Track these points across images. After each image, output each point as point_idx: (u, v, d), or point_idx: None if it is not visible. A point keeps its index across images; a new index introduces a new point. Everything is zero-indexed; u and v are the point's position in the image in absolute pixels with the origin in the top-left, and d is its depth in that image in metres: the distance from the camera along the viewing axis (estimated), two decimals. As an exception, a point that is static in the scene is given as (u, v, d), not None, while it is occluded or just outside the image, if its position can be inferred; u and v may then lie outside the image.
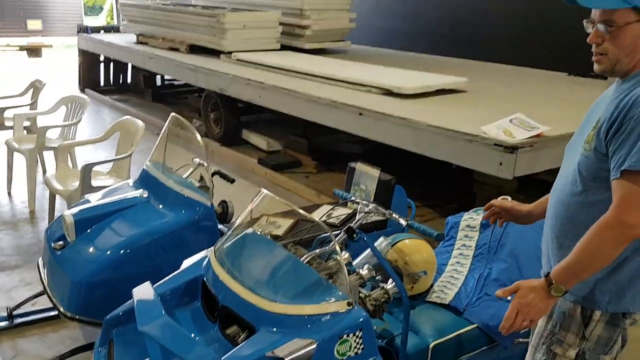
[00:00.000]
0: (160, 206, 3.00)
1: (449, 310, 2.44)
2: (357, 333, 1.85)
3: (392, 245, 2.47)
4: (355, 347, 1.85)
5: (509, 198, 2.20)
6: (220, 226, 3.04)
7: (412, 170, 4.94)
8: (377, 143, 4.65)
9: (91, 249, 2.82)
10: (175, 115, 3.34)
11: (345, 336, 1.83)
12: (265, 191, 2.20)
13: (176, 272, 2.25)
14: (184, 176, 3.15)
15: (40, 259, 3.09)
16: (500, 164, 3.58)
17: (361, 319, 1.87)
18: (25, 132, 5.54)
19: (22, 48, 15.83)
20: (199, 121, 7.55)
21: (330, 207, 3.35)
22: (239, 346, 1.82)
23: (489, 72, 6.75)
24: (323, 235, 2.36)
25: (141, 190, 3.14)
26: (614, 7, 1.54)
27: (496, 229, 2.64)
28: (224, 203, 3.11)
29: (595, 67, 1.66)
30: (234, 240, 2.17)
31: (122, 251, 2.78)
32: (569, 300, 1.72)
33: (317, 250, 2.13)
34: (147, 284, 2.15)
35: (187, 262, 2.31)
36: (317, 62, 6.66)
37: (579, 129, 1.76)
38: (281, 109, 5.68)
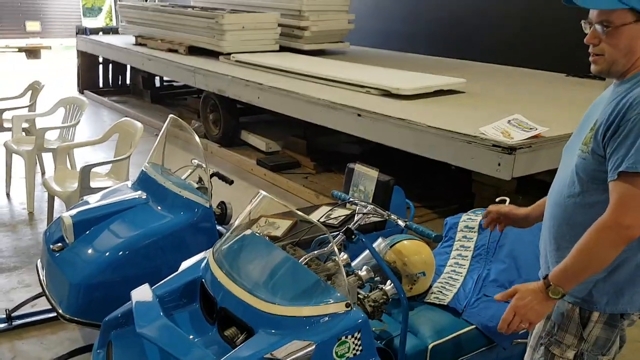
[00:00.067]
0: (159, 208, 3.01)
1: (448, 311, 2.44)
2: (355, 334, 1.85)
3: (391, 247, 2.47)
4: (353, 349, 1.85)
5: (507, 199, 2.20)
6: (218, 227, 3.04)
7: (411, 171, 4.95)
8: (375, 144, 4.64)
9: (90, 251, 2.82)
10: (173, 116, 3.35)
11: (343, 337, 1.82)
12: (263, 192, 2.20)
13: (175, 274, 2.26)
14: (183, 177, 3.14)
15: (39, 260, 3.09)
16: (499, 164, 3.58)
17: (360, 320, 1.87)
18: (24, 133, 5.55)
19: (20, 49, 15.86)
20: (197, 122, 7.56)
21: (329, 208, 3.35)
22: (237, 348, 1.82)
23: (487, 73, 6.75)
24: (322, 236, 2.36)
25: (140, 192, 3.14)
26: (611, 8, 1.54)
27: (495, 230, 2.64)
28: (222, 204, 3.11)
29: (592, 67, 1.66)
30: (232, 241, 2.17)
31: (120, 253, 2.78)
32: (567, 301, 1.72)
33: (316, 252, 2.13)
34: (146, 285, 2.15)
35: (185, 264, 2.31)
36: (316, 64, 6.65)
37: (577, 131, 1.76)
38: (280, 110, 5.68)
